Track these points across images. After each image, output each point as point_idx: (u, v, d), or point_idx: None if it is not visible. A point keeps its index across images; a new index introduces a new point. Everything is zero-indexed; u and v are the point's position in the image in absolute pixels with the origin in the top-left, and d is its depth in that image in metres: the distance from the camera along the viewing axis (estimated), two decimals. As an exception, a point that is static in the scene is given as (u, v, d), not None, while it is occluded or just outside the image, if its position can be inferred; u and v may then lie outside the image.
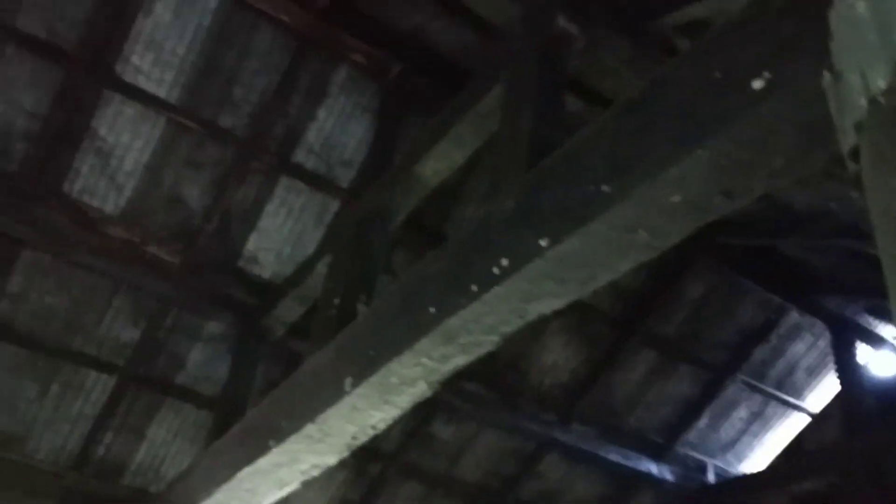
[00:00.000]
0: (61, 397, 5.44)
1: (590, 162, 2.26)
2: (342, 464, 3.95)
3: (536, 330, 5.85)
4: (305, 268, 4.82)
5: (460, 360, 2.95)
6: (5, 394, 5.34)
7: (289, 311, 5.05)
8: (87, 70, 4.46)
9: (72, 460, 5.62)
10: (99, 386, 5.46)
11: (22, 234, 4.82)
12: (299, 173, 4.95)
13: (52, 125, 4.57)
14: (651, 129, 2.05)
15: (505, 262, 2.49)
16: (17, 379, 5.32)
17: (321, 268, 4.51)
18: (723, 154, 1.88)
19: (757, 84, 1.82)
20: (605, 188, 2.15)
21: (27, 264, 4.99)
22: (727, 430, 6.97)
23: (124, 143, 4.71)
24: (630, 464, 6.64)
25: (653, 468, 6.74)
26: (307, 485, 4.01)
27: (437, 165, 3.78)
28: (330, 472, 4.15)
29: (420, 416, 6.06)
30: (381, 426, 3.44)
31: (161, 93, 4.59)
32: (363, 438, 3.53)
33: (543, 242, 2.34)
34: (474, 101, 3.41)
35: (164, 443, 5.72)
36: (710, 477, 7.05)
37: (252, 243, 5.15)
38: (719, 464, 7.14)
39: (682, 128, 1.95)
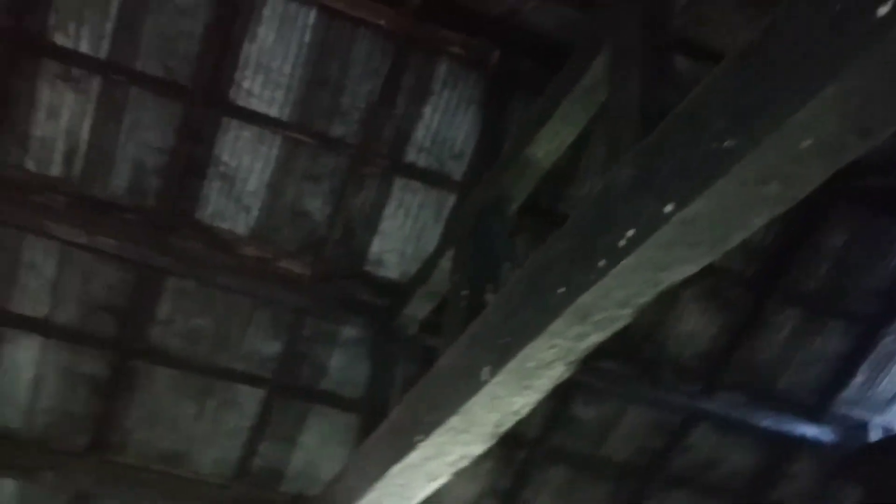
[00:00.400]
0: (217, 413, 5.76)
1: (709, 118, 2.17)
2: (488, 453, 3.98)
3: (670, 300, 5.70)
4: (430, 264, 4.89)
5: (596, 338, 2.91)
6: (167, 414, 5.70)
7: (419, 308, 5.14)
8: (204, 101, 4.69)
9: (233, 471, 5.94)
10: (250, 399, 5.74)
11: (165, 264, 5.13)
12: (413, 172, 5.03)
13: (179, 158, 4.83)
14: (772, 73, 1.95)
15: (631, 232, 2.44)
16: (175, 399, 5.67)
17: (445, 262, 4.56)
18: (853, 89, 1.77)
19: (882, 10, 1.70)
20: (728, 143, 2.06)
21: (172, 291, 5.30)
22: (888, 383, 6.56)
23: (246, 165, 4.92)
24: (784, 428, 6.36)
25: (809, 431, 6.43)
26: (457, 476, 4.07)
27: (548, 146, 3.75)
28: (477, 462, 4.19)
29: (560, 399, 6.03)
30: (524, 412, 3.45)
31: (274, 112, 4.76)
32: (507, 426, 3.54)
33: (669, 208, 2.27)
34: (578, 76, 3.35)
35: (316, 448, 5.94)
36: (874, 434, 6.66)
37: (376, 246, 5.27)
38: (882, 420, 6.73)
39: (805, 68, 1.84)
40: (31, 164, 4.84)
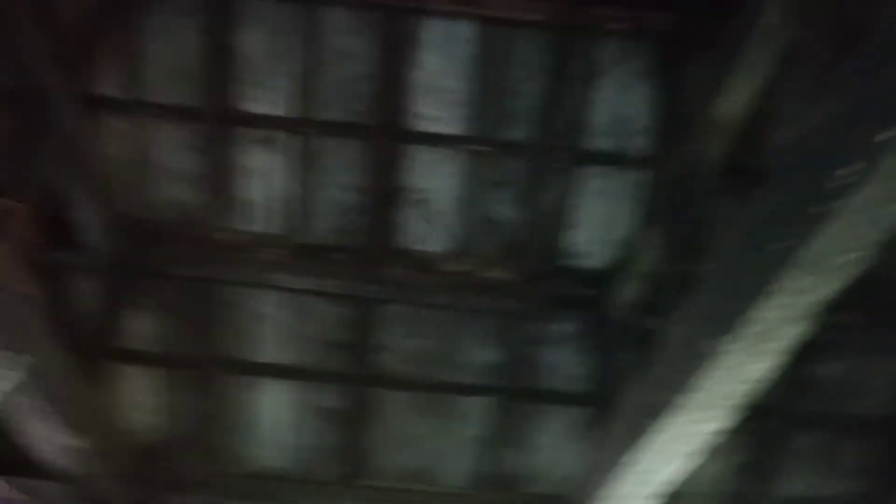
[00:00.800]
0: (449, 427, 5.95)
1: (920, 26, 1.99)
2: (732, 427, 3.83)
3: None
4: (633, 245, 4.81)
5: (828, 288, 2.73)
6: (402, 434, 5.96)
7: (630, 292, 5.06)
8: (386, 134, 4.92)
9: (473, 481, 6.10)
10: (479, 408, 5.88)
11: (380, 294, 5.42)
12: (598, 158, 4.97)
13: (374, 192, 5.09)
14: None
15: (849, 169, 2.27)
16: (408, 419, 5.93)
17: (650, 240, 4.47)
18: None
19: None
20: (947, 48, 1.87)
21: (388, 318, 5.57)
22: None
23: (435, 186, 5.10)
24: None
25: None
26: (702, 455, 3.95)
27: (737, 99, 3.58)
28: (721, 438, 4.04)
29: (800, 361, 5.67)
30: (762, 379, 3.29)
31: (452, 130, 4.90)
32: (745, 396, 3.40)
33: (893, 133, 2.09)
34: (757, 18, 3.18)
35: (552, 446, 5.97)
36: None
37: (575, 238, 5.26)
38: None
39: None
40: (246, 225, 5.30)
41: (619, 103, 4.80)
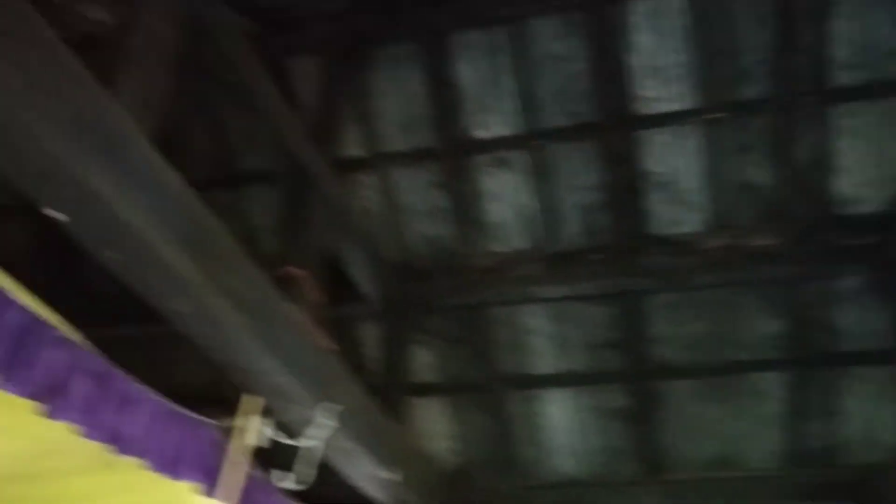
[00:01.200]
0: (746, 407, 5.68)
1: None
2: None
3: None
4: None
5: None
6: (699, 422, 5.78)
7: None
8: (615, 126, 4.87)
9: (787, 459, 5.74)
10: (774, 384, 5.56)
11: (641, 286, 5.35)
12: (850, 94, 4.57)
13: (615, 186, 5.05)
14: None
15: None
16: (702, 406, 5.74)
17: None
18: None
19: None
20: None
21: (657, 308, 5.46)
22: None
23: (676, 166, 4.95)
24: None
25: None
26: None
27: None
28: None
29: None
30: None
31: (682, 105, 4.75)
32: None
33: None
34: None
35: (865, 411, 5.49)
36: None
37: (842, 185, 4.85)
38: None
39: None
40: (497, 247, 5.47)
41: (862, 29, 4.39)
